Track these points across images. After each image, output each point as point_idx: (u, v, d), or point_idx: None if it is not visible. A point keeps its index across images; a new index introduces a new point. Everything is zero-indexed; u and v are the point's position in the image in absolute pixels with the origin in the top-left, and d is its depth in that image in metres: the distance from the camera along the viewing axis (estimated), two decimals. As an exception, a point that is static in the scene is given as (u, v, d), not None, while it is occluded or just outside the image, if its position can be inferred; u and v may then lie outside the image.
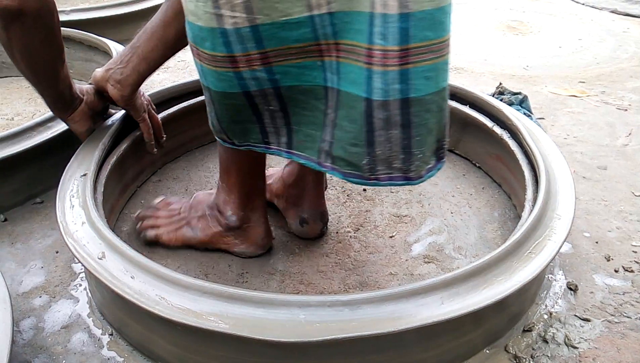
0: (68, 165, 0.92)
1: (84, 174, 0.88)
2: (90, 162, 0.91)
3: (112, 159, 0.97)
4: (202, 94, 1.18)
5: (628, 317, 0.83)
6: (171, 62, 1.66)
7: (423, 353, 0.72)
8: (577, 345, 0.79)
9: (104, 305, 0.81)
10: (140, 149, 1.07)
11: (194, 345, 0.71)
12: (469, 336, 0.74)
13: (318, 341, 0.63)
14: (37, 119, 1.06)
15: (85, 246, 0.75)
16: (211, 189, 1.06)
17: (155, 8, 1.54)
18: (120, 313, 0.77)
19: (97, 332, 0.80)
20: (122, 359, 0.77)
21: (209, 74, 0.71)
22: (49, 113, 1.08)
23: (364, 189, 1.10)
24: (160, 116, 1.12)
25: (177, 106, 1.16)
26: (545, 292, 0.88)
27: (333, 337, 0.63)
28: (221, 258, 0.93)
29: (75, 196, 0.84)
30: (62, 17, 1.64)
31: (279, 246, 0.96)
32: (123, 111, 1.02)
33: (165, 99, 1.15)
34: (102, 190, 0.89)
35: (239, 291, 0.67)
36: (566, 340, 0.79)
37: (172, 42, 0.88)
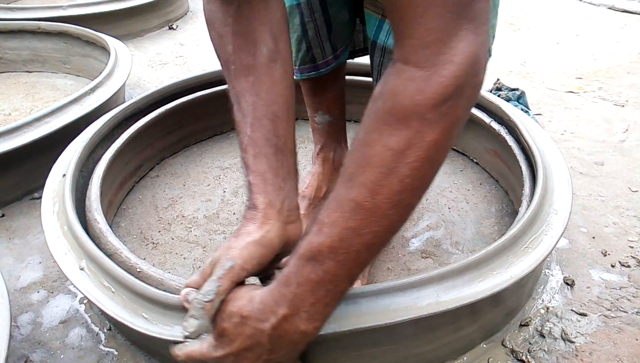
0: (54, 165, 0.91)
1: (64, 175, 0.86)
2: (70, 161, 0.89)
3: (110, 154, 0.97)
4: (201, 90, 1.20)
5: (624, 312, 0.84)
6: (169, 58, 1.66)
7: (420, 348, 0.72)
8: (573, 340, 0.79)
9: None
10: (138, 144, 1.07)
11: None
12: (466, 330, 0.74)
13: (315, 335, 0.63)
14: (35, 114, 1.06)
15: (66, 254, 0.75)
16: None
17: (154, 3, 1.51)
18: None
19: (95, 327, 0.80)
20: (120, 354, 0.77)
21: None
22: (46, 108, 1.08)
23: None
24: (157, 111, 1.12)
25: (175, 101, 1.16)
26: (542, 287, 0.88)
27: (330, 330, 0.63)
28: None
29: (57, 199, 0.83)
30: (60, 13, 1.65)
31: (277, 242, 0.96)
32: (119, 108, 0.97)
33: (166, 96, 1.15)
34: (100, 184, 0.89)
35: (236, 286, 0.67)
36: (563, 334, 0.80)
37: None
